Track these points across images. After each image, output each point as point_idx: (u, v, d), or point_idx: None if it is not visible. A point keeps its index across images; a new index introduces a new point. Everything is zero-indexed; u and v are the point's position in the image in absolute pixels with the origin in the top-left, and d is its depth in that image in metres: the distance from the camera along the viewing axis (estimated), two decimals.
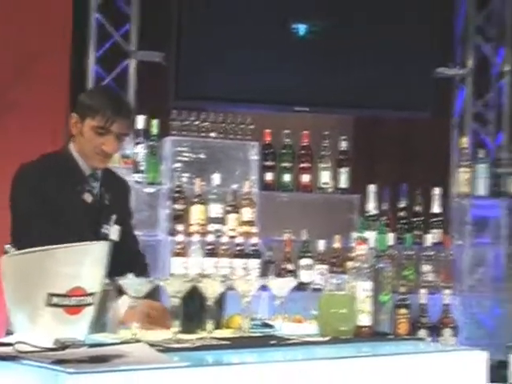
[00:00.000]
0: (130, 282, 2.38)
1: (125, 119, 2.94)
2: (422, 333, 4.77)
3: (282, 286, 2.65)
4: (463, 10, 5.50)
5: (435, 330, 4.83)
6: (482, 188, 5.14)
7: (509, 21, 5.47)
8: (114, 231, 2.98)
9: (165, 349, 2.17)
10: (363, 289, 2.70)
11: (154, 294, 2.55)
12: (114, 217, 2.99)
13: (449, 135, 5.46)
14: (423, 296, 4.81)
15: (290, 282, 2.69)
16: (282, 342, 2.46)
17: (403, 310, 4.70)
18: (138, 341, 2.22)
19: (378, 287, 2.79)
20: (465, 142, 5.23)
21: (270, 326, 2.68)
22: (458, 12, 5.50)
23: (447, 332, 4.83)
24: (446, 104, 5.47)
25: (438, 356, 2.49)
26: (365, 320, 2.70)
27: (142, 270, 2.96)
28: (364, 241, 2.81)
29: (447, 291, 4.89)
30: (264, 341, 2.45)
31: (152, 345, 2.15)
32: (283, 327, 2.61)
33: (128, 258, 2.90)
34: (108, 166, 3.08)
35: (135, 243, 3.19)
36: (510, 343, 2.66)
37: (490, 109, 5.51)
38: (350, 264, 3.06)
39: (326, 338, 2.57)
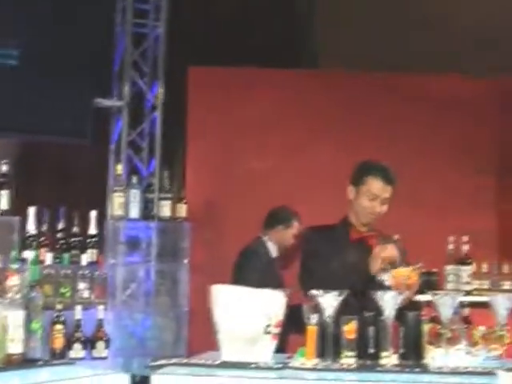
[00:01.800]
0: None
1: None
2: (77, 347, 4.84)
3: None
4: (121, 47, 5.70)
5: (89, 344, 4.93)
6: (134, 211, 5.35)
7: (161, 58, 5.76)
8: None
9: None
10: (15, 318, 2.73)
11: None
12: None
13: (107, 161, 5.62)
14: (78, 312, 4.88)
15: None
16: None
17: (59, 326, 4.72)
18: None
19: (29, 316, 2.83)
20: (120, 168, 5.42)
21: None
22: (117, 48, 5.69)
23: (100, 345, 4.95)
24: (104, 132, 5.63)
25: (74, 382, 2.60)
26: (16, 348, 2.73)
27: None
28: (17, 272, 2.84)
29: (101, 307, 5.01)
30: None
31: None
32: None
33: None
34: None
35: None
36: (152, 363, 2.82)
37: (144, 138, 5.76)
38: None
39: None
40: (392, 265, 3.20)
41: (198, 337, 5.03)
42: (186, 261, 5.51)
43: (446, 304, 2.77)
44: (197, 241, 5.68)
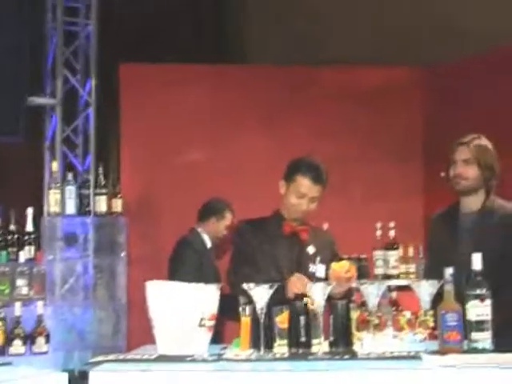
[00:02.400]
0: None
1: None
2: (17, 343, 4.79)
3: None
4: (53, 45, 5.62)
5: (30, 339, 4.88)
6: (70, 207, 5.30)
7: (93, 56, 5.70)
8: None
9: None
10: None
11: None
12: None
13: (42, 159, 5.54)
14: (18, 308, 4.83)
15: None
16: None
17: None
18: None
19: None
20: (55, 165, 5.35)
21: None
22: (49, 46, 5.61)
23: (40, 340, 4.90)
24: (39, 130, 5.55)
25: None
26: None
27: None
28: None
29: (40, 302, 4.96)
30: None
31: None
32: None
33: None
34: None
35: None
36: (91, 360, 2.81)
37: (79, 134, 5.71)
38: None
39: None
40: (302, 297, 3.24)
41: (137, 328, 5.03)
42: (123, 254, 5.49)
43: (372, 292, 2.82)
44: (134, 234, 5.67)
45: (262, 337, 2.84)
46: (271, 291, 2.84)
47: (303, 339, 3.00)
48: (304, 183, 3.62)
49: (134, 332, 5.46)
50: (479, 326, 2.80)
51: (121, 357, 2.89)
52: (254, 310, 2.93)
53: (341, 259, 3.62)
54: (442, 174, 3.65)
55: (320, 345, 2.87)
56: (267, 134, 6.03)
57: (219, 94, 6.05)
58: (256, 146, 6.01)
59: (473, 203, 3.58)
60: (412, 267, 5.29)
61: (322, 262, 3.70)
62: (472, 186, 3.56)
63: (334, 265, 3.39)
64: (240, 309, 3.10)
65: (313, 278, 3.51)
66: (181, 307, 2.94)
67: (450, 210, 3.68)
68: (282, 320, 3.11)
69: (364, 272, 5.26)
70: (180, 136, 5.96)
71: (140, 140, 5.97)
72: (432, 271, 3.23)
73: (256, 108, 6.07)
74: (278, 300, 3.10)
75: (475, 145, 3.56)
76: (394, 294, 4.13)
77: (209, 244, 5.30)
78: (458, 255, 3.35)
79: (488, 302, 2.81)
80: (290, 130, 5.98)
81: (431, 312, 3.02)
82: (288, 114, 6.03)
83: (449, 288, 2.84)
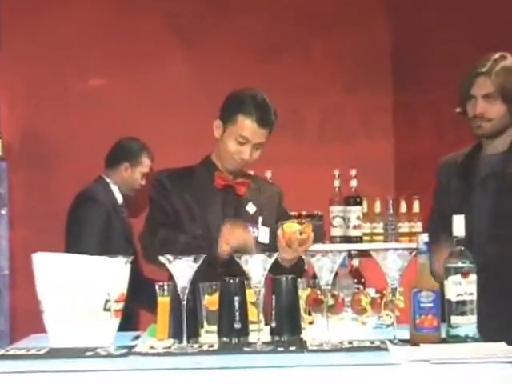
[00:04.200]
0: None
1: None
2: None
3: None
4: None
5: None
6: None
7: None
8: None
9: None
10: None
11: None
12: None
13: None
14: None
15: None
16: None
17: None
18: None
19: None
20: None
21: None
22: None
23: None
24: None
25: None
26: None
27: None
28: None
29: None
30: None
31: None
32: None
33: None
34: None
35: None
36: None
37: None
38: None
39: None
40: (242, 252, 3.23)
41: (23, 304, 5.00)
42: (3, 211, 5.42)
43: (326, 265, 2.82)
44: (17, 184, 5.60)
45: (185, 322, 2.83)
46: (196, 265, 2.82)
47: (238, 325, 3.00)
48: (247, 125, 3.60)
49: (19, 308, 5.43)
50: (461, 307, 2.82)
51: (0, 352, 2.86)
52: (174, 288, 2.91)
53: (290, 218, 3.64)
54: (458, 110, 3.59)
55: (259, 332, 2.87)
56: (190, 58, 5.93)
57: (125, 13, 5.89)
58: (177, 74, 5.91)
59: (498, 145, 3.56)
60: (379, 227, 5.36)
61: (265, 223, 3.71)
62: (497, 128, 3.51)
63: (284, 225, 3.41)
64: (156, 287, 3.09)
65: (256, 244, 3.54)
66: (78, 287, 2.92)
67: (466, 153, 3.65)
68: (211, 301, 3.12)
69: (317, 233, 5.30)
70: (78, 59, 5.81)
71: (23, 73, 5.79)
72: (438, 232, 3.23)
73: (173, 26, 5.94)
74: (208, 275, 3.10)
75: (498, 71, 3.46)
76: (355, 262, 4.17)
77: (120, 198, 5.25)
78: (472, 213, 3.36)
79: (473, 277, 2.83)
80: (221, 54, 5.89)
81: (401, 289, 3.06)
82: (215, 35, 5.92)
83: (423, 260, 2.87)
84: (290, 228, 3.40)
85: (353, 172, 5.32)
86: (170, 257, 2.82)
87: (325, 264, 2.82)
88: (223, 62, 5.80)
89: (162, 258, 2.81)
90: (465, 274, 2.83)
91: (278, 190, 3.92)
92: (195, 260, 2.82)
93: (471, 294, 2.83)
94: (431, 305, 2.80)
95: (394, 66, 6.01)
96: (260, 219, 3.70)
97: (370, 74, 5.94)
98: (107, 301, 2.93)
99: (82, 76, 5.87)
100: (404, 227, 5.35)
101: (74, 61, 5.78)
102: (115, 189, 5.24)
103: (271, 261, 2.83)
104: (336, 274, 2.99)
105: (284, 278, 3.04)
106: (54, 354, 2.81)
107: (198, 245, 3.47)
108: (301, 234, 3.40)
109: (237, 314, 3.00)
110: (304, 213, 5.23)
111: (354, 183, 5.33)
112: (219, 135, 3.69)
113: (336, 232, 5.33)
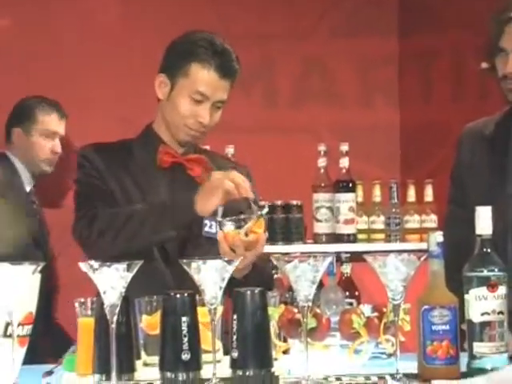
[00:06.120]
0: None
1: None
2: None
3: None
4: None
5: None
6: None
7: None
8: None
9: None
10: None
11: None
12: None
13: None
14: None
15: None
16: None
17: None
18: None
19: None
20: None
21: None
22: None
23: None
24: None
25: None
26: None
27: None
28: None
29: None
30: None
31: None
32: None
33: None
34: None
35: None
36: None
37: None
38: None
39: None
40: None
41: None
42: None
43: (304, 276, 2.80)
44: None
45: (115, 352, 2.80)
46: (130, 274, 2.80)
47: (186, 356, 2.97)
48: (205, 77, 3.62)
49: None
50: (487, 331, 2.82)
51: None
52: (101, 306, 2.89)
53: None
54: (484, 66, 3.62)
55: (215, 365, 2.86)
56: None
57: None
58: (102, 15, 5.91)
59: None
60: (378, 221, 5.37)
61: (229, 213, 3.69)
62: None
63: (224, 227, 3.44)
64: (76, 304, 3.07)
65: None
66: None
67: (496, 121, 3.69)
68: (150, 323, 3.10)
69: (297, 229, 5.30)
70: None
71: None
72: (457, 223, 3.29)
73: None
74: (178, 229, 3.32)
75: None
76: (346, 269, 4.19)
77: (28, 182, 5.24)
78: (506, 203, 3.43)
79: (502, 290, 2.83)
80: None
81: (407, 306, 3.05)
82: None
83: (436, 266, 2.85)
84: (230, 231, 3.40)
85: (344, 147, 5.31)
86: (95, 263, 2.78)
87: (304, 273, 2.79)
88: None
89: (82, 265, 2.78)
90: (492, 286, 2.83)
91: (245, 169, 3.91)
92: (129, 268, 2.79)
93: (500, 312, 2.83)
94: (447, 327, 2.80)
95: (401, 4, 6.05)
96: (220, 210, 3.67)
97: (370, 14, 5.97)
98: (8, 324, 2.88)
99: None
100: (412, 222, 5.37)
101: None
102: (21, 168, 5.20)
103: (232, 268, 2.81)
104: (320, 285, 2.99)
105: (249, 292, 3.00)
106: None
107: (159, 211, 3.51)
108: (246, 234, 3.37)
109: (185, 340, 2.98)
110: (279, 202, 5.23)
111: (345, 162, 5.33)
112: (164, 95, 3.69)
113: (321, 228, 5.33)
